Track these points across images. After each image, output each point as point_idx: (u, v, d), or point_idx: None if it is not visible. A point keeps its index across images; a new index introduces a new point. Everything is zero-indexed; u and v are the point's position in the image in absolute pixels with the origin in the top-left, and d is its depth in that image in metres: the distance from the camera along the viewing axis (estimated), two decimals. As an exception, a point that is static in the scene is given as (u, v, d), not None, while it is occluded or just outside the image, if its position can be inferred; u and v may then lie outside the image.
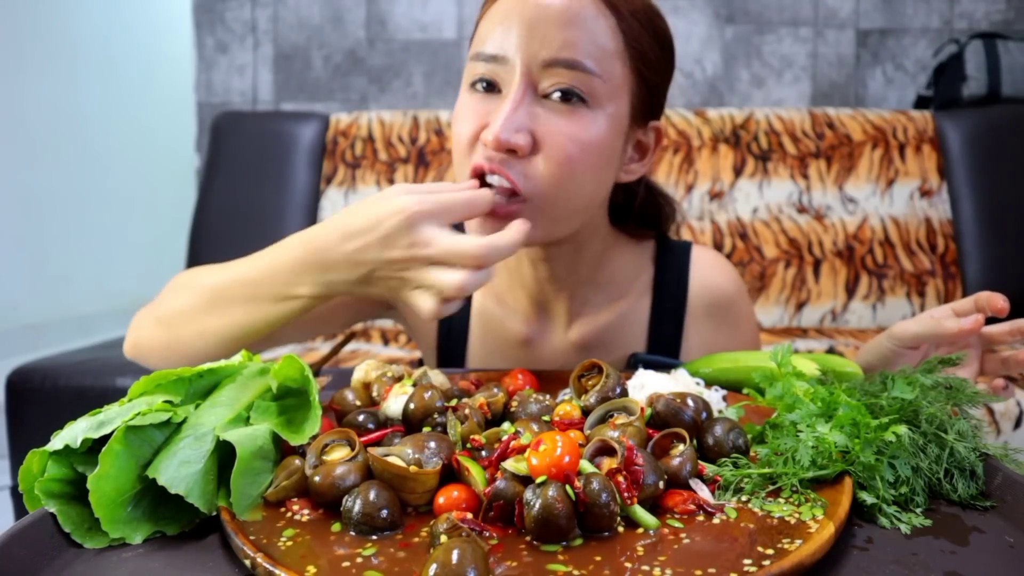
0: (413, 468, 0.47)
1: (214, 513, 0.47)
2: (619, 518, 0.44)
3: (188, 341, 0.79)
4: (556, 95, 0.71)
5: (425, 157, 2.17)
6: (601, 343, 0.89)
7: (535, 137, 0.71)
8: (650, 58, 0.76)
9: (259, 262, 0.73)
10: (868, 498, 0.47)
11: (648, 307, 0.91)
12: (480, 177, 0.71)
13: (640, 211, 0.92)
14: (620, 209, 0.90)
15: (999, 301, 0.68)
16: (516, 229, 0.65)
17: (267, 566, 0.40)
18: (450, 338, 0.93)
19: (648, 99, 0.78)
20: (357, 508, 0.44)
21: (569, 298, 0.88)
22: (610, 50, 0.72)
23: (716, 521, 0.45)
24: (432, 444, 0.49)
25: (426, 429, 0.54)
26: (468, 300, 0.92)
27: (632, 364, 0.84)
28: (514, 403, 0.60)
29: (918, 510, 0.48)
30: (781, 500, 0.48)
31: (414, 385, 0.62)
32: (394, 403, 0.58)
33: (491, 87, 0.73)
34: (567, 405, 0.57)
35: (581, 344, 0.90)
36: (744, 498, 0.48)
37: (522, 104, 0.71)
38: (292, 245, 0.71)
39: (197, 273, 0.82)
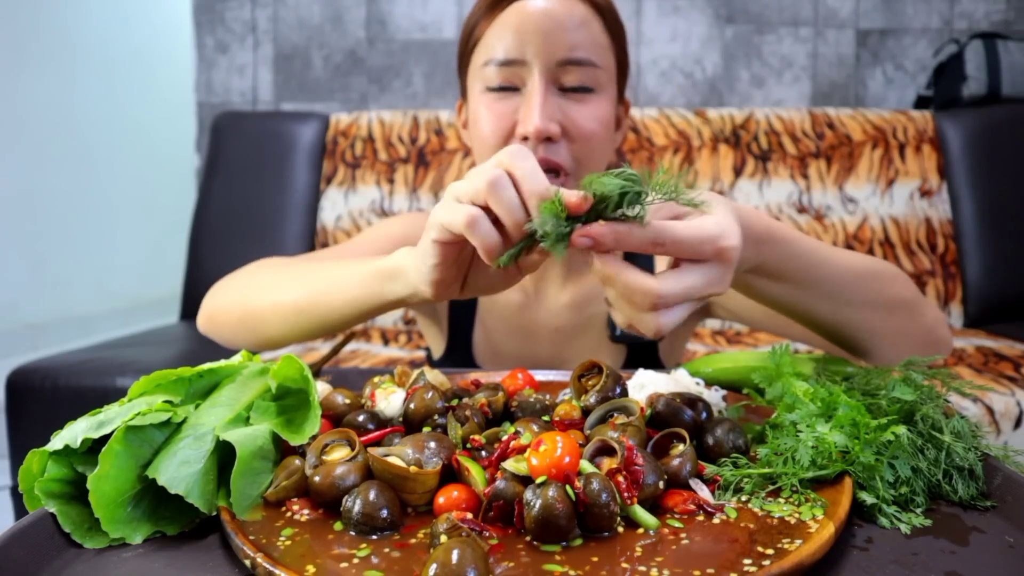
0: (413, 468, 0.47)
1: (214, 513, 0.47)
2: (619, 518, 0.44)
3: (261, 315, 0.78)
4: (572, 88, 0.85)
5: (425, 157, 2.17)
6: (591, 301, 0.98)
7: (562, 124, 0.85)
8: (622, 49, 0.92)
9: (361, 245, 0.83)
10: (868, 498, 0.47)
11: None
12: None
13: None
14: None
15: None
16: None
17: (267, 566, 0.40)
18: (459, 303, 1.00)
19: (621, 82, 0.94)
20: (357, 508, 0.44)
21: (564, 262, 0.96)
22: (604, 45, 0.88)
23: (716, 521, 0.45)
24: (432, 444, 0.49)
25: (426, 429, 0.54)
26: None
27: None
28: (514, 403, 0.60)
29: (918, 510, 0.48)
30: (781, 500, 0.48)
31: (399, 385, 0.62)
32: (386, 404, 0.58)
33: (507, 88, 0.86)
34: (567, 405, 0.57)
35: (573, 304, 0.98)
36: (744, 498, 0.48)
37: (547, 99, 0.84)
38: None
39: (281, 259, 0.87)
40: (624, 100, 0.97)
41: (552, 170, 0.84)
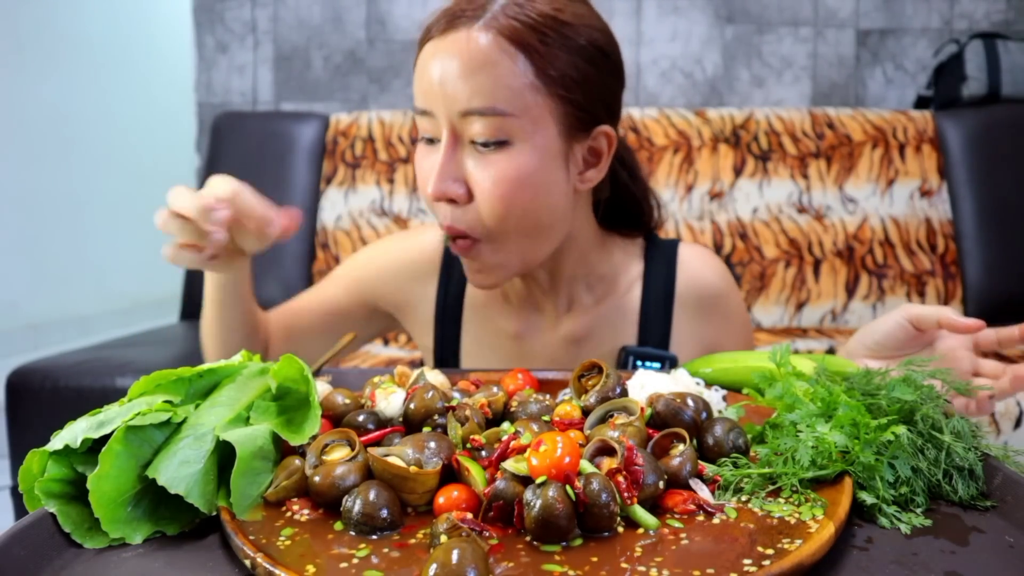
0: (413, 468, 0.47)
1: (214, 513, 0.47)
2: (619, 518, 0.44)
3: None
4: (479, 142, 0.75)
5: (425, 157, 2.17)
6: (591, 337, 0.91)
7: (469, 184, 0.76)
8: (572, 77, 0.76)
9: None
10: (868, 498, 0.47)
11: (637, 302, 0.92)
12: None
13: (629, 210, 0.94)
14: (611, 209, 0.92)
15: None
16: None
17: (267, 566, 0.40)
18: (444, 333, 0.96)
19: (579, 115, 0.78)
20: (357, 508, 0.44)
21: (557, 298, 0.91)
22: (520, 86, 0.74)
23: (716, 521, 0.45)
24: (432, 444, 0.49)
25: (426, 429, 0.54)
26: (460, 296, 0.96)
27: (623, 357, 0.87)
28: (514, 403, 0.59)
29: (918, 510, 0.48)
30: (781, 500, 0.48)
31: (399, 385, 0.62)
32: (386, 404, 0.58)
33: (432, 140, 0.78)
34: (567, 405, 0.57)
35: (571, 338, 0.91)
36: (744, 498, 0.48)
37: (452, 157, 0.76)
38: None
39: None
40: (600, 131, 0.81)
41: (458, 236, 0.78)
